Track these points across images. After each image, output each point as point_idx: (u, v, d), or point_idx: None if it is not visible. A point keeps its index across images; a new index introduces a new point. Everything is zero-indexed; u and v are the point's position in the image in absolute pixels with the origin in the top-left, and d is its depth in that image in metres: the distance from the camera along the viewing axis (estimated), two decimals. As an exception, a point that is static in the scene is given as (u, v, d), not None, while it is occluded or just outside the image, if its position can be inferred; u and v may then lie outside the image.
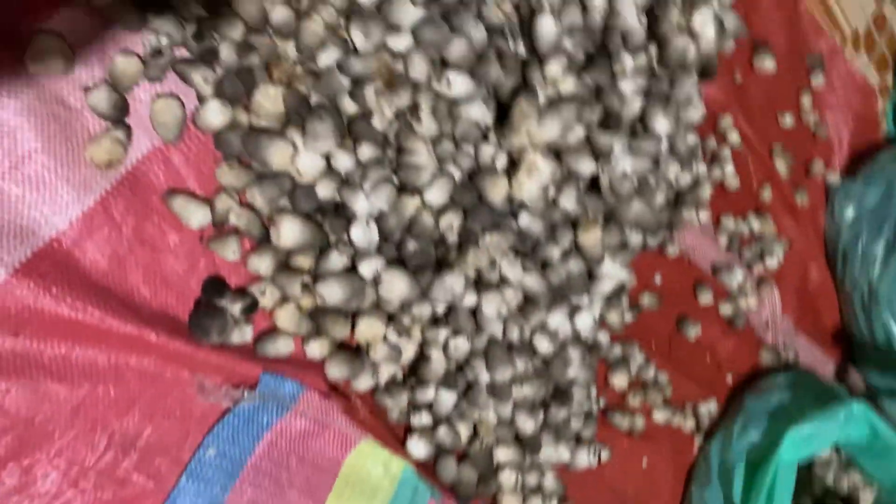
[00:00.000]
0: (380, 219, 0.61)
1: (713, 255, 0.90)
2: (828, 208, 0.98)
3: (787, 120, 0.95)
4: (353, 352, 0.64)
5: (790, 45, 0.95)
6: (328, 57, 0.57)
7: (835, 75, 0.99)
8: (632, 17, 0.60)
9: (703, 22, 0.62)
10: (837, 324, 0.98)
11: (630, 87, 0.61)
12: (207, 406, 0.60)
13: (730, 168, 0.88)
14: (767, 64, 0.91)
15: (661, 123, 0.62)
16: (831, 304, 0.97)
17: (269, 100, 0.56)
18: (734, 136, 0.88)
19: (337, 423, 0.65)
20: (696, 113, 0.67)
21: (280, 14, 0.56)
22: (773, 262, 0.90)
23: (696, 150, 0.78)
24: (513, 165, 0.60)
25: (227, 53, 0.56)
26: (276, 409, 0.63)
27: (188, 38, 0.55)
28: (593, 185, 0.65)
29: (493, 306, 0.64)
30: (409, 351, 0.67)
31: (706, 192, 0.83)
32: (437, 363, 0.66)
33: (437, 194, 0.60)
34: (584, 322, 0.67)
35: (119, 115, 0.54)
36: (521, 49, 0.61)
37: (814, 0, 0.99)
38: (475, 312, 0.66)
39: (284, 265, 0.61)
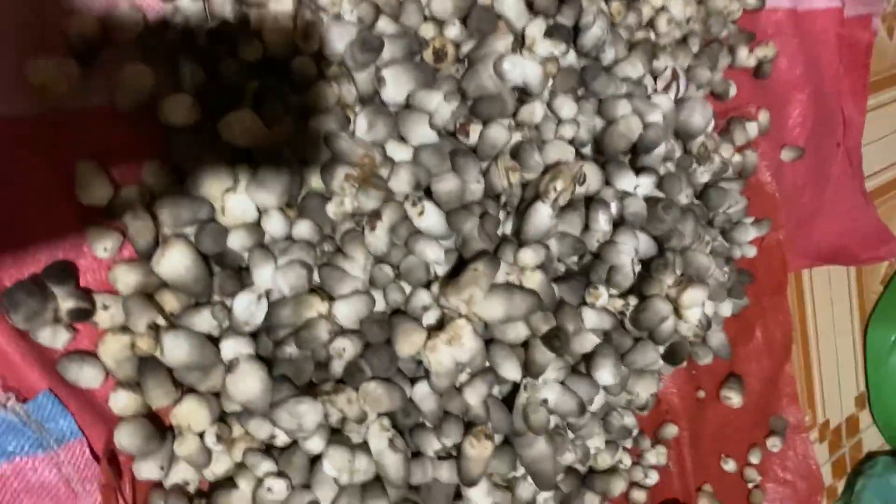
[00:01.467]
0: (275, 304, 0.54)
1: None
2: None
3: (730, 465, 0.89)
4: (159, 431, 0.53)
5: (761, 397, 0.92)
6: (324, 123, 0.53)
7: (791, 451, 0.95)
8: (627, 257, 0.57)
9: (693, 302, 0.58)
10: None
11: (592, 322, 0.56)
12: (-45, 389, 0.48)
13: (652, 478, 0.80)
14: (734, 399, 0.86)
15: (607, 375, 0.55)
16: None
17: (244, 124, 0.51)
18: (663, 450, 0.81)
19: (86, 500, 0.52)
20: (645, 391, 0.61)
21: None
22: None
23: (627, 433, 0.70)
24: (438, 327, 0.53)
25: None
26: (30, 441, 0.51)
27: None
28: (508, 398, 0.58)
29: (334, 467, 0.53)
30: (219, 465, 0.56)
31: (618, 487, 0.74)
32: (241, 497, 0.55)
33: (347, 312, 0.53)
34: (422, 544, 0.56)
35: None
36: (509, 225, 0.57)
37: (799, 375, 0.97)
38: (313, 462, 0.56)
39: (147, 294, 0.53)
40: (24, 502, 0.51)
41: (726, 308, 0.77)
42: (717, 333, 0.81)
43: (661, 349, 0.60)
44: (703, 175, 0.77)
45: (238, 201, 0.53)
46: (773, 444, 0.93)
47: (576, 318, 0.56)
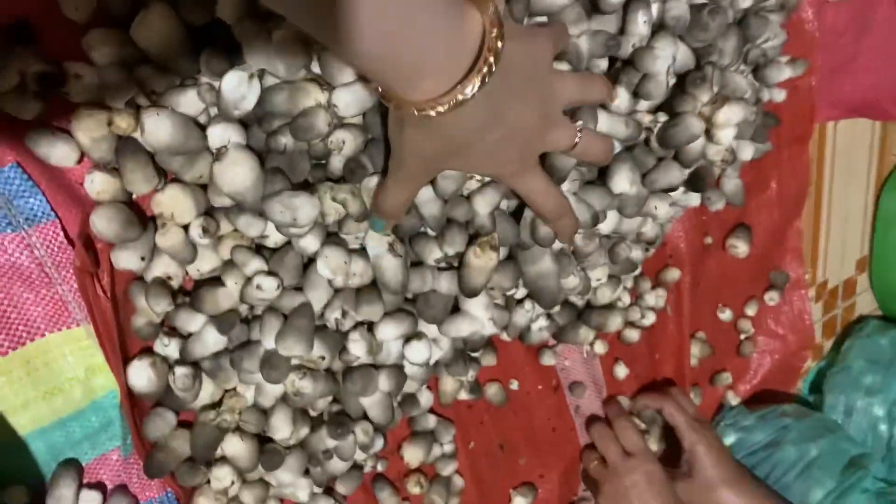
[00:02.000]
0: (268, 90, 0.48)
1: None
2: (710, 423, 0.90)
3: (726, 315, 0.88)
4: (138, 217, 0.49)
5: (765, 250, 0.90)
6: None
7: (786, 306, 0.94)
8: (663, 64, 0.51)
9: (728, 121, 0.53)
10: None
11: (605, 126, 0.51)
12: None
13: (648, 319, 0.79)
14: (740, 248, 0.84)
15: (623, 182, 0.52)
16: None
17: None
18: (662, 294, 0.79)
19: (62, 286, 0.49)
20: (662, 209, 0.57)
21: None
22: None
23: (632, 267, 0.68)
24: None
25: None
26: (-2, 218, 0.47)
27: None
28: (515, 213, 0.54)
29: (329, 268, 0.50)
30: (205, 262, 0.52)
31: (615, 324, 0.73)
32: (227, 295, 0.52)
33: (349, 101, 0.48)
34: (416, 354, 0.54)
35: None
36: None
37: (806, 232, 0.94)
38: (306, 265, 0.52)
39: (125, 65, 0.47)
40: (-10, 280, 0.48)
41: (747, 151, 0.73)
42: (732, 179, 0.77)
43: (685, 173, 0.56)
44: (745, -1, 0.70)
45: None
46: (771, 297, 0.91)
47: (593, 119, 0.51)
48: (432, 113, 0.39)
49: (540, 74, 0.45)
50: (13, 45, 0.45)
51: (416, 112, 0.39)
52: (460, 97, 0.38)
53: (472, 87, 0.38)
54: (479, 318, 0.56)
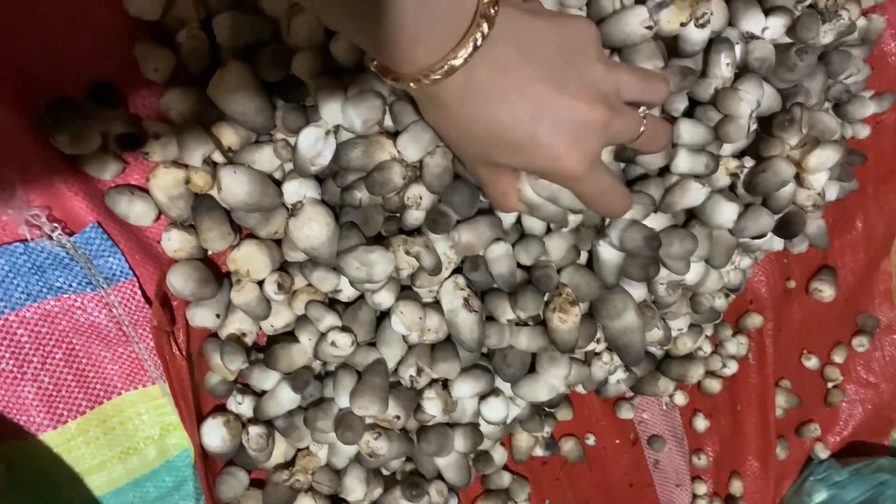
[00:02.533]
0: (343, 144, 0.48)
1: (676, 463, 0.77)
2: (798, 479, 0.85)
3: (812, 362, 0.83)
4: (214, 275, 0.49)
5: (852, 293, 0.85)
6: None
7: (877, 352, 0.89)
8: (747, 108, 0.49)
9: (820, 165, 0.50)
10: None
11: (685, 166, 0.49)
12: (-5, 217, 0.44)
13: (730, 368, 0.75)
14: (825, 292, 0.80)
15: (729, 212, 0.49)
16: None
17: None
18: (744, 341, 0.75)
19: (139, 344, 0.49)
20: (747, 258, 0.54)
21: None
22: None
23: (715, 316, 0.65)
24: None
25: None
26: (79, 278, 0.47)
27: None
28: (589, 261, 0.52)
29: (404, 324, 0.49)
30: (279, 318, 0.52)
31: (696, 374, 0.69)
32: (301, 351, 0.51)
33: (413, 150, 0.47)
34: (493, 413, 0.52)
35: None
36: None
37: (895, 272, 0.89)
38: (380, 318, 0.51)
39: (203, 125, 0.47)
40: (73, 342, 0.49)
41: (832, 190, 0.69)
42: (815, 219, 0.74)
43: (775, 219, 0.53)
44: (825, 35, 0.67)
45: (305, 21, 0.46)
46: (860, 343, 0.86)
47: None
48: (427, 82, 0.37)
49: (577, 57, 0.40)
50: (96, 108, 0.45)
51: (412, 85, 0.38)
52: (454, 63, 0.36)
53: (464, 52, 0.36)
54: (557, 381, 0.54)
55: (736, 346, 0.75)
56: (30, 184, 0.45)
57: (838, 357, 0.86)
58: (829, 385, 0.87)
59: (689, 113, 0.53)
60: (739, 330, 0.77)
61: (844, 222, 0.82)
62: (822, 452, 0.87)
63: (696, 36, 0.49)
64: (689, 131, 0.50)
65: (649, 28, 0.47)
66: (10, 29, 0.43)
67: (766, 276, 0.78)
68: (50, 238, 0.46)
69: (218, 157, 0.49)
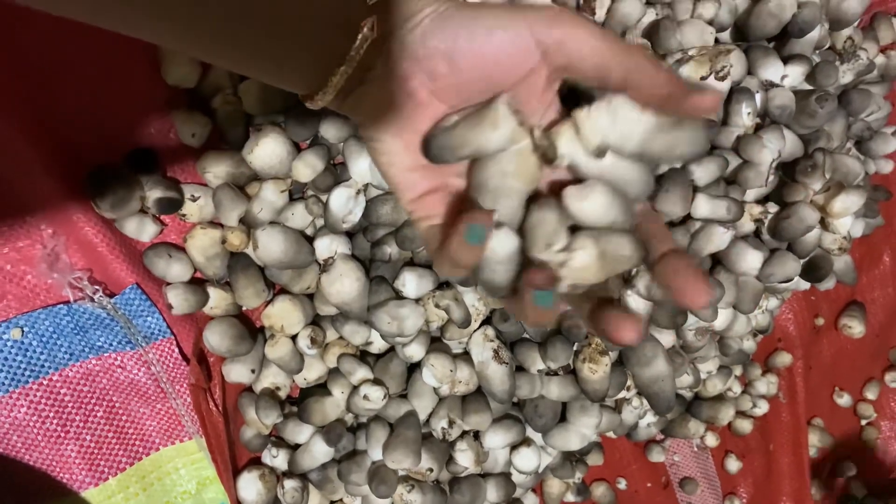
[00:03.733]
0: (373, 201, 0.49)
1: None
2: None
3: (844, 399, 0.82)
4: (248, 331, 0.50)
5: (882, 328, 0.84)
6: None
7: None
8: (769, 155, 0.50)
9: (845, 210, 0.51)
10: None
11: (704, 211, 0.50)
12: (41, 282, 0.46)
13: (761, 408, 0.74)
14: (855, 328, 0.79)
15: (754, 259, 0.50)
16: None
17: None
18: (774, 380, 0.75)
19: (175, 400, 0.50)
20: (774, 300, 0.54)
21: None
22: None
23: (744, 357, 0.65)
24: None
25: None
26: (118, 337, 0.49)
27: None
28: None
29: (436, 376, 0.50)
30: (312, 371, 0.53)
31: (727, 415, 0.69)
32: (334, 405, 0.52)
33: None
34: (525, 462, 0.53)
35: None
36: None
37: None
38: (411, 370, 0.52)
39: (238, 184, 0.49)
40: (113, 399, 0.50)
41: (858, 227, 0.70)
42: (842, 256, 0.74)
43: (801, 263, 0.54)
44: (845, 75, 0.68)
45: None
46: (893, 378, 0.85)
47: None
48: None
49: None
50: (135, 174, 0.47)
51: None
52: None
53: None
54: (588, 430, 0.54)
55: (766, 385, 0.75)
56: (73, 248, 0.47)
57: (871, 394, 0.85)
58: (863, 422, 0.86)
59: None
60: (769, 369, 0.77)
61: (871, 258, 0.82)
62: (859, 491, 0.86)
63: (717, 88, 0.50)
64: (701, 169, 0.50)
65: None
66: (58, 99, 0.45)
67: (793, 314, 0.78)
68: (92, 300, 0.48)
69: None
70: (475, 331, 0.51)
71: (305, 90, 0.30)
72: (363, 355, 0.54)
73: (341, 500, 0.54)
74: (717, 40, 0.54)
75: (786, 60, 0.53)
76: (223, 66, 0.36)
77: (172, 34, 0.26)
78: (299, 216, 0.50)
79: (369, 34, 0.28)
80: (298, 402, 0.54)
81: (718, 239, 0.52)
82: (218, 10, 0.25)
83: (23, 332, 0.47)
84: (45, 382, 0.48)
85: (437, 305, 0.50)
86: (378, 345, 0.52)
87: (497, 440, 0.52)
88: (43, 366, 0.47)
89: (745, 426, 0.75)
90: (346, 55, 0.28)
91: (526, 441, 0.54)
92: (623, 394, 0.56)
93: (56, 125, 0.45)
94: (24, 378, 0.47)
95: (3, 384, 0.47)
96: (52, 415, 0.48)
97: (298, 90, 0.30)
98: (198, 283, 0.50)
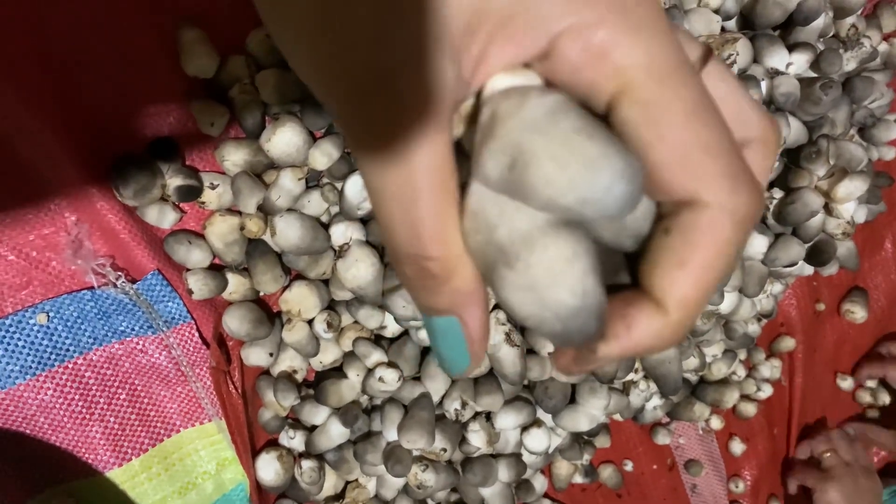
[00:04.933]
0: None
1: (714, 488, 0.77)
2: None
3: (846, 384, 0.84)
4: (266, 316, 0.52)
5: (884, 314, 0.86)
6: None
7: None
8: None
9: (848, 195, 0.52)
10: None
11: None
12: (65, 268, 0.47)
13: (765, 392, 0.76)
14: (857, 314, 0.81)
15: (757, 244, 0.51)
16: None
17: None
18: (777, 364, 0.76)
19: (196, 383, 0.52)
20: (779, 285, 0.56)
21: None
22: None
23: (749, 341, 0.66)
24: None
25: None
26: (140, 322, 0.50)
27: None
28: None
29: (448, 359, 0.51)
30: (328, 354, 0.54)
31: (731, 398, 0.71)
32: (350, 387, 0.53)
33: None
34: (536, 443, 0.54)
35: None
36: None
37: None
38: (424, 353, 0.54)
39: (256, 172, 0.50)
40: (135, 383, 0.51)
41: (860, 213, 0.71)
42: (845, 242, 0.75)
43: (806, 248, 0.55)
44: (848, 62, 0.69)
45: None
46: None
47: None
48: None
49: None
50: (157, 162, 0.49)
51: None
52: None
53: None
54: (597, 411, 0.55)
55: (770, 369, 0.77)
56: (96, 235, 0.48)
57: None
58: (865, 406, 0.88)
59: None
60: (773, 353, 0.79)
61: (874, 244, 0.83)
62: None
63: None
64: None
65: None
66: (82, 90, 0.47)
67: (796, 300, 0.79)
68: (114, 285, 0.49)
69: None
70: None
71: None
72: (378, 339, 0.55)
73: (357, 480, 0.56)
74: (723, 29, 0.55)
75: (791, 48, 0.54)
76: None
77: None
78: (315, 203, 0.51)
79: None
80: (314, 385, 0.55)
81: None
82: None
83: (48, 317, 0.48)
84: (70, 366, 0.49)
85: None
86: (392, 328, 0.54)
87: (508, 421, 0.54)
88: (68, 350, 0.49)
89: (750, 409, 0.76)
90: None
91: (536, 422, 0.55)
92: (631, 376, 0.57)
93: (80, 115, 0.47)
94: (51, 362, 0.48)
95: (31, 368, 0.48)
96: (77, 397, 0.49)
97: None
98: (217, 269, 0.52)
